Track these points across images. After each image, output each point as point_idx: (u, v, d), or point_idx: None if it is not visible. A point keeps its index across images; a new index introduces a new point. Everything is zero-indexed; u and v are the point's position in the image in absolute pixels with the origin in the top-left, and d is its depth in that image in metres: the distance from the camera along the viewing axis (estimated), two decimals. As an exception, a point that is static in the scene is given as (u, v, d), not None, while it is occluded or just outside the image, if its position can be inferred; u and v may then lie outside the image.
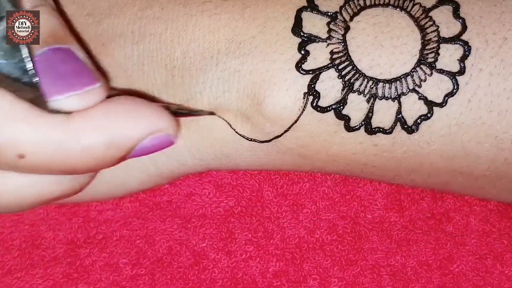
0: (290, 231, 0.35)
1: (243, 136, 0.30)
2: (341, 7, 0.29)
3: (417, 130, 0.29)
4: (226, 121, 0.30)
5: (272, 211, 0.35)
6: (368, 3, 0.29)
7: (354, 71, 0.28)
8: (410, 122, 0.29)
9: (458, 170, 0.31)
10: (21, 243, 0.34)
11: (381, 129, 0.29)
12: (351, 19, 0.29)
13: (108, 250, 0.34)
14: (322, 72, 0.29)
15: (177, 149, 0.31)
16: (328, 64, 0.29)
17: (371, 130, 0.29)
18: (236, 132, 0.30)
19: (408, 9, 0.29)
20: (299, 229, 0.35)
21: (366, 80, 0.29)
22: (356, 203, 0.35)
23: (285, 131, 0.30)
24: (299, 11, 0.29)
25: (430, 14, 0.29)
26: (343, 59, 0.29)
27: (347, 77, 0.29)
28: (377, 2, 0.29)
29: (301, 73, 0.29)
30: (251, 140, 0.30)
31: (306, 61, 0.29)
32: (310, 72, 0.29)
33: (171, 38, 0.30)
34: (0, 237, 0.34)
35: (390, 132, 0.29)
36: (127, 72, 0.30)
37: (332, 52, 0.29)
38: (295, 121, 0.29)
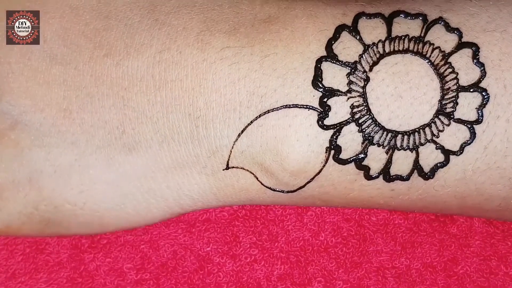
0: (294, 233, 0.35)
1: (269, 188, 0.31)
2: (360, 56, 0.29)
3: (433, 177, 0.29)
4: (253, 174, 0.30)
5: (277, 214, 0.35)
6: (387, 49, 0.29)
7: (374, 124, 0.28)
8: (426, 169, 0.29)
9: (470, 207, 0.31)
10: (25, 248, 0.34)
11: (399, 177, 0.29)
12: (371, 68, 0.29)
13: (113, 255, 0.34)
14: (343, 126, 0.29)
15: (204, 194, 0.31)
16: (349, 119, 0.29)
17: (389, 178, 0.29)
18: (262, 184, 0.31)
19: (428, 54, 0.29)
20: (304, 232, 0.35)
21: (385, 133, 0.29)
22: (360, 206, 0.35)
23: (308, 183, 0.30)
24: (319, 62, 0.29)
25: (450, 59, 0.29)
26: (363, 112, 0.28)
27: (367, 131, 0.29)
28: (396, 49, 0.29)
29: (323, 128, 0.29)
30: (276, 191, 0.31)
31: (327, 116, 0.29)
32: (331, 127, 0.29)
33: (192, 86, 0.29)
34: (4, 241, 0.34)
35: (408, 179, 0.29)
36: (152, 119, 0.30)
37: (352, 106, 0.28)
38: (318, 173, 0.29)
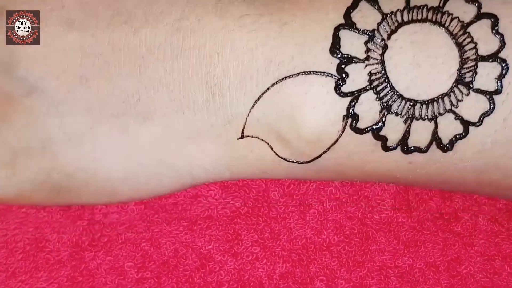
0: (296, 231, 0.35)
1: (284, 158, 0.30)
2: (378, 24, 0.28)
3: (451, 149, 0.29)
4: (268, 144, 0.30)
5: (279, 212, 0.35)
6: (405, 18, 0.28)
7: (392, 92, 0.28)
8: (445, 141, 0.29)
9: (487, 183, 0.31)
10: (25, 246, 0.34)
11: (417, 148, 0.29)
12: (389, 37, 0.28)
13: (113, 253, 0.34)
14: (360, 94, 0.28)
15: (216, 166, 0.31)
16: (366, 86, 0.28)
17: (407, 150, 0.29)
18: (277, 154, 0.30)
19: (446, 24, 0.28)
20: (306, 230, 0.35)
21: (403, 101, 0.28)
22: (364, 204, 0.35)
23: (323, 153, 0.30)
24: (337, 29, 0.28)
25: (469, 29, 0.28)
26: (381, 80, 0.28)
27: (385, 99, 0.28)
28: (414, 18, 0.28)
29: (340, 95, 0.28)
30: (290, 161, 0.30)
31: (345, 83, 0.28)
32: (349, 95, 0.28)
33: (210, 54, 0.29)
34: (4, 239, 0.34)
35: (426, 151, 0.29)
36: (168, 87, 0.30)
37: (370, 74, 0.28)
38: (334, 143, 0.29)
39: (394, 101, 0.28)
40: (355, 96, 0.28)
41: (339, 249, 0.35)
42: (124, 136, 0.30)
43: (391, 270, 0.34)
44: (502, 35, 0.28)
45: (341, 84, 0.28)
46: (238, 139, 0.30)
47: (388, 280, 0.34)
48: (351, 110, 0.28)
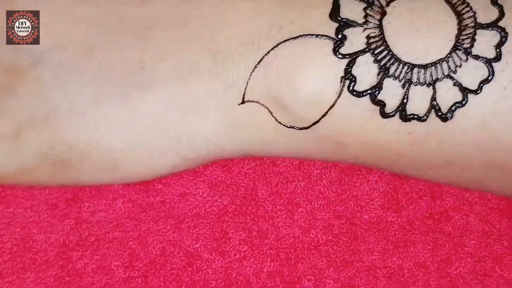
0: (284, 230, 0.35)
1: (283, 124, 0.30)
2: None
3: (451, 117, 0.29)
4: (267, 108, 0.30)
5: (267, 210, 0.35)
6: None
7: (390, 55, 0.28)
8: (444, 109, 0.28)
9: (493, 163, 0.30)
10: (12, 246, 0.34)
11: (415, 116, 0.29)
12: (388, 4, 0.29)
13: (101, 253, 0.34)
14: (358, 56, 0.29)
15: (217, 135, 0.31)
16: (365, 49, 0.29)
17: (405, 117, 0.29)
18: (276, 119, 0.30)
19: None
20: (294, 229, 0.35)
21: (401, 65, 0.28)
22: (352, 203, 0.34)
23: (323, 116, 0.30)
24: None
25: (468, 0, 0.29)
26: (379, 43, 0.28)
27: (383, 62, 0.28)
28: None
29: (338, 57, 0.29)
30: (290, 127, 0.30)
31: (343, 45, 0.29)
32: (347, 57, 0.29)
33: (214, 23, 0.30)
34: (-9, 239, 0.34)
35: (425, 119, 0.29)
36: (172, 55, 0.30)
37: (368, 37, 0.29)
38: (332, 105, 0.29)
39: (392, 64, 0.28)
40: (353, 58, 0.29)
41: (328, 248, 0.34)
42: (127, 106, 0.30)
43: (380, 270, 0.34)
44: (501, 6, 0.28)
45: (339, 46, 0.29)
46: (239, 104, 0.30)
47: (376, 281, 0.34)
48: (348, 71, 0.29)
